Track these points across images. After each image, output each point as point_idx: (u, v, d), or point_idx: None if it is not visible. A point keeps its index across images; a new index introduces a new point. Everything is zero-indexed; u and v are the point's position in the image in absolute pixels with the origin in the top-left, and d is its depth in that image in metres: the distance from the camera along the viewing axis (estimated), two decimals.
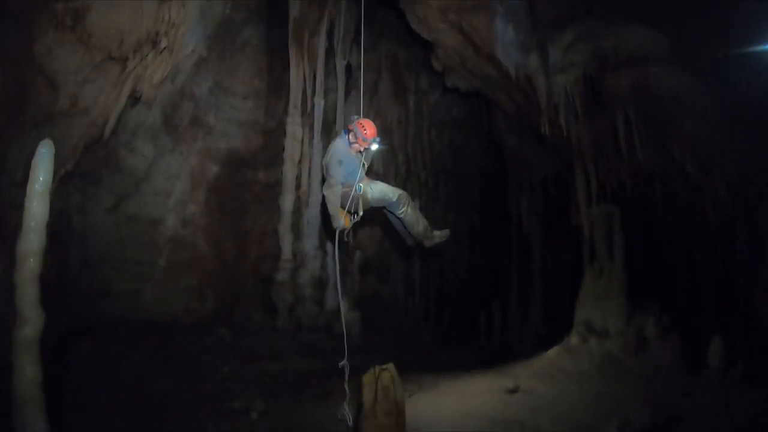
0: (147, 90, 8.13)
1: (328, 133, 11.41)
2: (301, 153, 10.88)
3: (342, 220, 5.14)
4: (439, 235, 5.32)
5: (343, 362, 4.62)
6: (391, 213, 5.37)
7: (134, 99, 8.30)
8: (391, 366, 3.86)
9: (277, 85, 11.14)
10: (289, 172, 10.64)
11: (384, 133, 13.24)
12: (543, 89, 8.64)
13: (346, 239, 5.33)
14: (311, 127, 10.96)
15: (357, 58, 11.41)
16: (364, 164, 5.33)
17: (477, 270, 17.40)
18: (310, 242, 10.72)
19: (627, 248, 8.71)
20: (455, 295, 16.30)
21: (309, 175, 10.91)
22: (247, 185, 11.79)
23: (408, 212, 5.27)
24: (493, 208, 16.74)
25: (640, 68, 7.50)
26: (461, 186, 16.52)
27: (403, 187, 13.62)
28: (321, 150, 10.96)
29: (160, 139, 10.12)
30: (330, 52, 11.18)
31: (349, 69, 11.58)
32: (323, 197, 5.40)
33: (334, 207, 5.09)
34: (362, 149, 5.33)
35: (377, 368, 3.82)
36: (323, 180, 5.53)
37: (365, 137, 5.26)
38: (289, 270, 10.38)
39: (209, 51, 9.51)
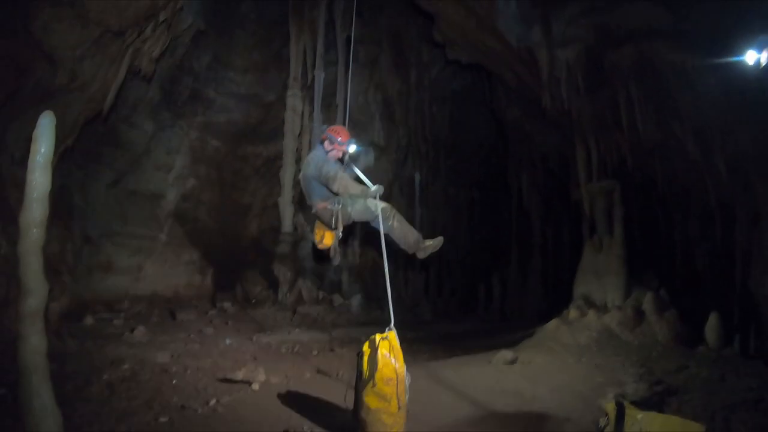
0: (146, 65, 8.08)
1: (329, 107, 11.35)
2: (302, 126, 10.84)
3: (379, 185, 4.99)
4: (432, 244, 5.21)
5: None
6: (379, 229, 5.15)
7: (133, 74, 8.25)
8: (391, 334, 3.90)
9: (276, 59, 11.04)
10: (289, 145, 10.61)
11: (384, 106, 13.20)
12: (545, 63, 8.57)
13: (332, 255, 5.21)
14: (311, 100, 10.89)
15: (357, 30, 11.31)
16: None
17: (477, 243, 17.46)
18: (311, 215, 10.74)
19: (626, 224, 8.74)
20: (455, 268, 16.38)
21: (309, 148, 10.87)
22: (247, 159, 11.77)
23: (395, 226, 5.17)
24: (494, 182, 16.74)
25: (643, 44, 7.42)
26: (462, 159, 16.48)
27: (403, 160, 13.66)
28: (321, 123, 10.92)
29: (160, 114, 10.08)
30: (330, 25, 11.07)
31: (349, 42, 11.48)
32: (319, 210, 5.23)
33: (356, 187, 5.04)
34: (340, 155, 5.33)
35: (378, 336, 3.87)
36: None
37: (340, 141, 5.25)
38: (289, 243, 10.42)
39: (208, 25, 9.41)
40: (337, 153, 5.35)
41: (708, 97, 7.09)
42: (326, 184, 5.14)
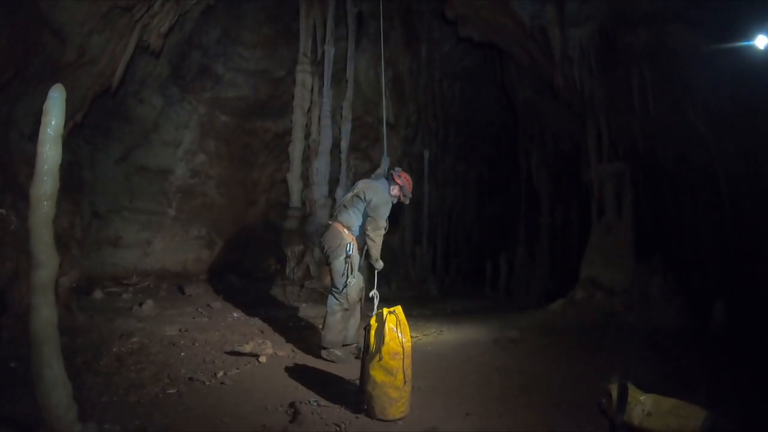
0: (154, 40, 8.03)
1: (338, 82, 11.28)
2: (311, 101, 10.81)
3: (381, 264, 5.34)
4: (339, 356, 5.25)
5: (374, 291, 5.01)
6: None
7: (142, 49, 8.21)
8: (398, 309, 3.93)
9: (286, 33, 10.95)
10: (298, 120, 10.60)
11: (394, 82, 13.09)
12: (558, 42, 8.48)
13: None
14: (321, 76, 10.84)
15: (368, 5, 11.18)
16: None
17: (485, 222, 17.46)
18: (320, 190, 10.74)
19: (635, 207, 8.69)
20: (463, 246, 16.40)
21: (319, 123, 10.85)
22: (256, 134, 11.76)
23: (328, 316, 5.29)
24: (503, 161, 16.68)
25: (657, 26, 7.30)
26: (472, 137, 16.42)
27: (412, 137, 13.59)
28: (330, 99, 10.86)
29: (169, 89, 10.06)
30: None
31: (360, 17, 11.36)
32: (332, 244, 5.35)
33: (378, 250, 5.29)
34: (395, 201, 5.49)
35: (385, 310, 3.90)
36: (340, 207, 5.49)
37: (408, 194, 5.53)
38: (297, 218, 10.44)
39: None
40: (395, 199, 5.55)
41: (721, 81, 6.98)
42: (369, 216, 5.25)
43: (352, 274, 5.24)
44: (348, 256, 5.23)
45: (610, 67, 8.46)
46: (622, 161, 9.01)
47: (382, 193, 5.31)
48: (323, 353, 5.26)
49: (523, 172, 14.91)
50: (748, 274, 7.66)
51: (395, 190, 5.49)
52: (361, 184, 5.48)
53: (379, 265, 5.33)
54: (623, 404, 3.90)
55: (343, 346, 5.38)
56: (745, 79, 6.59)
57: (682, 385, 4.76)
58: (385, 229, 5.36)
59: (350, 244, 5.25)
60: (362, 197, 5.31)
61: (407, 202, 5.63)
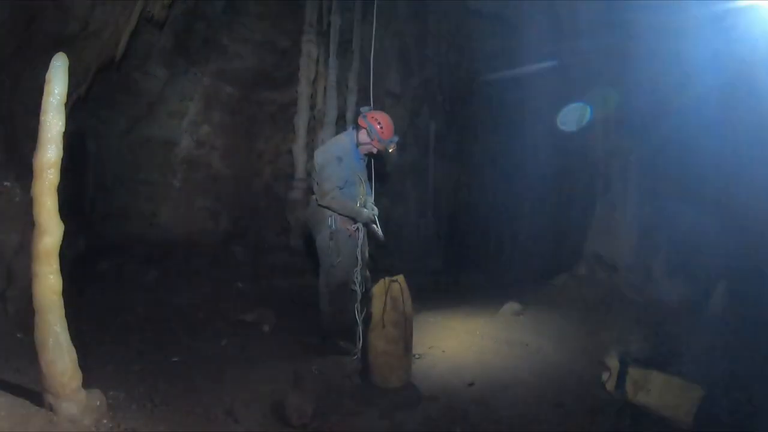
0: (159, 11, 7.93)
1: (344, 53, 11.18)
2: (317, 72, 10.74)
3: (367, 212, 4.51)
4: (340, 347, 4.57)
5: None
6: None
7: (146, 20, 8.12)
8: (401, 278, 3.96)
9: (292, 4, 10.83)
10: (304, 91, 10.54)
11: (401, 54, 12.94)
12: (566, 14, 8.36)
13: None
14: (327, 47, 10.75)
15: None
16: (361, 177, 4.53)
17: (489, 195, 17.37)
18: None
19: (642, 184, 8.61)
20: (467, 219, 16.37)
21: (324, 94, 10.80)
22: (261, 105, 11.69)
23: (320, 300, 4.58)
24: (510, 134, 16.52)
25: None
26: (478, 111, 16.24)
27: (417, 109, 13.46)
28: (336, 70, 10.79)
29: (173, 61, 9.97)
30: None
31: None
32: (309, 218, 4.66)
33: (344, 206, 4.36)
34: (374, 152, 4.50)
35: (387, 279, 3.92)
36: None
37: (381, 137, 4.35)
38: (302, 189, 10.44)
39: None
40: (370, 149, 4.53)
41: (728, 60, 6.83)
42: (318, 184, 4.39)
43: (338, 252, 4.48)
44: (331, 231, 4.47)
45: (620, 40, 8.33)
46: (630, 138, 8.90)
47: (331, 148, 4.45)
48: (327, 344, 4.74)
49: (529, 146, 14.80)
50: (751, 255, 7.62)
51: (362, 136, 4.46)
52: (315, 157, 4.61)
53: (363, 217, 4.51)
54: (622, 379, 3.95)
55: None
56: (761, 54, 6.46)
57: (681, 363, 4.80)
58: (363, 192, 4.56)
59: (332, 217, 4.47)
60: (315, 161, 4.52)
61: (391, 149, 4.46)
